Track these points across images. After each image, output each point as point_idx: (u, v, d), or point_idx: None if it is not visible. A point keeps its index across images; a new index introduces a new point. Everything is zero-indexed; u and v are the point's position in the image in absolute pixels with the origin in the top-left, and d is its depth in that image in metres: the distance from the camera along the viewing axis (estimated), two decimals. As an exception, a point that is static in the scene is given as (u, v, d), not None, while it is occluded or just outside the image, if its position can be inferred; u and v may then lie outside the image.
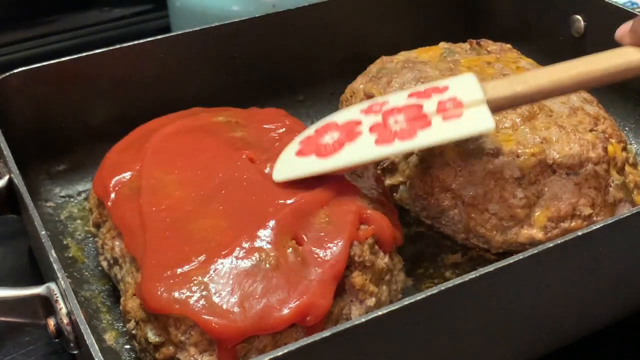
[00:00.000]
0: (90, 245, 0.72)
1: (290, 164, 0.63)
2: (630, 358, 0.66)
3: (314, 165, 0.62)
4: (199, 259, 0.56)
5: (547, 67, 0.63)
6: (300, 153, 0.63)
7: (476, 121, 0.60)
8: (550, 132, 0.69)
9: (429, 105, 0.62)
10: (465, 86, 0.62)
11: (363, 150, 0.61)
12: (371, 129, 0.62)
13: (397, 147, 0.61)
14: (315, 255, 0.57)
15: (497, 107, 0.61)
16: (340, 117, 0.64)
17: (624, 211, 0.67)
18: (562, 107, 0.73)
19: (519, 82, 0.62)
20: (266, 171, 0.63)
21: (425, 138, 0.60)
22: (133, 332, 0.58)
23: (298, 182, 0.62)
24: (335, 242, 0.57)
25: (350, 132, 0.63)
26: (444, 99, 0.61)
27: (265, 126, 0.71)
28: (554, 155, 0.68)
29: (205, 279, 0.54)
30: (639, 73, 0.62)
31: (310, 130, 0.65)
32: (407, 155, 0.71)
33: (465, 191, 0.67)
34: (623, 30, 0.63)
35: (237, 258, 0.55)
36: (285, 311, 0.53)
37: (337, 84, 0.84)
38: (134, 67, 0.78)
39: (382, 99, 0.65)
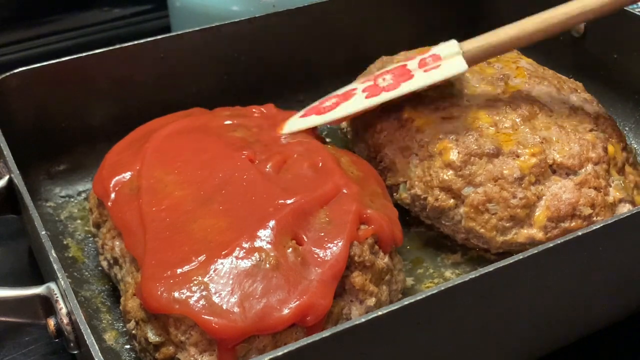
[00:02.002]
0: (90, 245, 0.72)
1: (295, 123, 0.71)
2: (630, 358, 0.66)
3: (314, 120, 0.71)
4: (199, 259, 0.56)
5: (516, 22, 0.70)
6: (303, 115, 0.72)
7: (452, 66, 0.69)
8: (550, 132, 0.69)
9: (413, 63, 0.72)
10: (447, 46, 0.71)
11: (355, 103, 0.71)
12: (364, 90, 0.72)
13: (382, 97, 0.70)
14: (315, 255, 0.57)
15: (473, 58, 0.70)
16: (342, 89, 0.74)
17: (624, 211, 0.67)
18: (562, 107, 0.73)
19: (490, 35, 0.70)
20: (266, 170, 0.63)
21: (407, 86, 0.70)
22: (133, 332, 0.58)
23: (298, 182, 0.62)
24: (335, 242, 0.57)
25: (347, 95, 0.73)
26: (425, 57, 0.71)
27: (265, 125, 0.71)
28: (554, 155, 0.68)
29: (205, 279, 0.54)
30: (597, 15, 0.68)
31: (315, 103, 0.74)
32: (407, 155, 0.71)
33: (465, 191, 0.67)
34: None
35: (237, 258, 0.55)
36: (285, 311, 0.53)
37: (337, 84, 0.84)
38: (134, 67, 0.78)
39: (381, 71, 0.74)
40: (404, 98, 0.71)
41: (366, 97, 0.71)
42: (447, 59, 0.70)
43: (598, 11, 0.68)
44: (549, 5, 0.70)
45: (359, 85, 0.73)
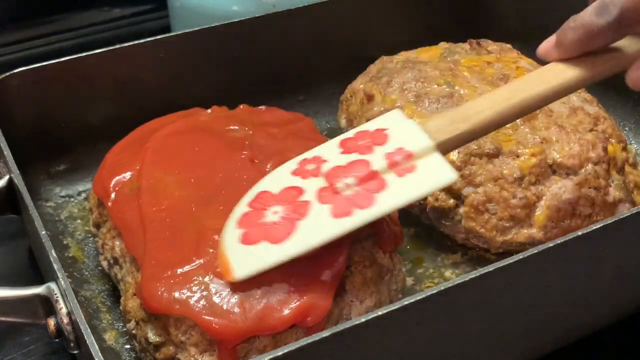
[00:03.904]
0: (90, 245, 0.72)
1: (246, 258, 0.54)
2: (630, 358, 0.66)
3: (272, 255, 0.53)
4: (199, 259, 0.56)
5: (484, 96, 0.60)
6: (246, 240, 0.54)
7: (435, 174, 0.55)
8: (550, 132, 0.69)
9: (377, 161, 0.56)
10: (404, 131, 0.57)
11: (322, 227, 0.54)
12: (320, 198, 0.55)
13: (359, 218, 0.53)
14: (315, 255, 0.56)
15: (445, 149, 0.57)
16: (272, 184, 0.57)
17: (624, 211, 0.67)
18: (562, 107, 0.73)
19: (461, 120, 0.57)
20: (266, 170, 0.63)
21: (387, 202, 0.54)
22: (133, 332, 0.58)
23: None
24: (335, 242, 0.57)
25: (294, 203, 0.55)
26: (391, 151, 0.56)
27: (265, 126, 0.71)
28: (554, 155, 0.68)
29: (206, 279, 0.54)
30: (579, 88, 0.61)
31: (242, 206, 0.57)
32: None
33: (465, 191, 0.67)
34: (546, 47, 0.61)
35: (237, 258, 0.55)
36: (286, 312, 0.53)
37: (337, 84, 0.84)
38: (134, 67, 0.78)
39: (311, 154, 0.59)
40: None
41: (334, 216, 0.54)
42: (420, 159, 0.55)
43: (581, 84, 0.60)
44: (548, 5, 0.70)
45: (298, 181, 0.56)
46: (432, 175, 0.55)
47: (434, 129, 0.57)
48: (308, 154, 0.59)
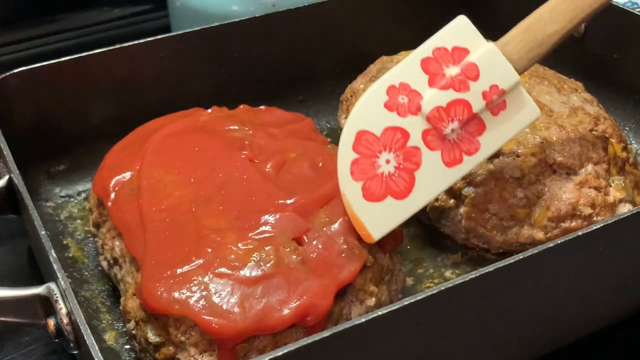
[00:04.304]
0: (90, 245, 0.72)
1: (376, 217, 0.57)
2: (630, 358, 0.66)
3: (401, 212, 0.57)
4: (199, 259, 0.56)
5: (543, 11, 0.60)
6: (370, 196, 0.57)
7: (523, 111, 0.58)
8: (550, 132, 0.69)
9: (476, 102, 0.57)
10: (490, 62, 0.58)
11: (438, 177, 0.57)
12: (428, 143, 0.56)
13: (467, 165, 0.57)
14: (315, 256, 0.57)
15: (521, 71, 0.59)
16: (369, 123, 0.57)
17: (624, 211, 0.67)
18: (562, 107, 0.73)
19: (537, 45, 0.59)
20: (266, 170, 0.63)
21: (490, 145, 0.57)
22: (133, 332, 0.58)
23: (298, 182, 0.62)
24: (335, 242, 0.57)
25: (403, 150, 0.56)
26: (487, 90, 0.57)
27: (265, 126, 0.71)
28: (554, 155, 0.68)
29: (205, 279, 0.54)
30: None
31: (348, 150, 0.57)
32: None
33: (465, 191, 0.67)
34: None
35: (237, 258, 0.55)
36: (286, 311, 0.53)
37: (337, 84, 0.84)
38: (134, 67, 0.78)
39: (395, 79, 0.58)
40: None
41: (446, 165, 0.57)
42: (509, 94, 0.58)
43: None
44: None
45: (400, 120, 0.57)
46: (521, 113, 0.58)
47: (515, 56, 0.58)
48: (393, 79, 0.58)
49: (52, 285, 0.54)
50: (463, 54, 0.58)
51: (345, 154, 0.57)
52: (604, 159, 0.69)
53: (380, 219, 0.57)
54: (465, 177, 0.67)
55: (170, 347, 0.55)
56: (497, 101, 0.57)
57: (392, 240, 0.61)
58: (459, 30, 0.59)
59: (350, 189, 0.57)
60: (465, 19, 0.60)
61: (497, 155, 0.67)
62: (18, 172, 0.63)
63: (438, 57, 0.58)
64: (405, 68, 0.59)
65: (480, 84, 0.57)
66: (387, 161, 0.56)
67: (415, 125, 0.57)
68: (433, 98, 0.57)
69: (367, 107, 0.58)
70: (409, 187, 0.56)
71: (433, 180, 0.57)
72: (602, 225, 0.55)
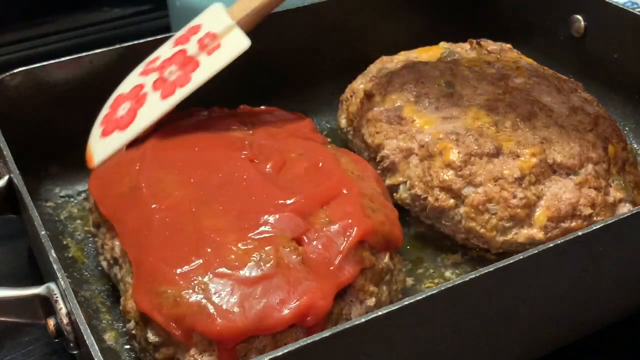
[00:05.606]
0: (90, 245, 0.72)
1: (101, 147, 0.69)
2: (630, 358, 0.66)
3: (119, 139, 0.68)
4: (199, 259, 0.56)
5: None
6: (104, 133, 0.70)
7: (234, 45, 0.69)
8: (550, 132, 0.69)
9: (192, 48, 0.70)
10: (215, 18, 0.71)
11: (153, 108, 0.68)
12: (154, 87, 0.69)
13: (179, 95, 0.68)
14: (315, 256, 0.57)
15: (248, 24, 0.70)
16: (125, 86, 0.72)
17: (624, 211, 0.67)
18: (562, 107, 0.73)
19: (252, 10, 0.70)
20: (266, 170, 0.63)
21: (199, 77, 0.68)
22: (133, 332, 0.58)
23: (298, 182, 0.62)
24: (335, 242, 0.57)
25: (137, 97, 0.70)
26: (202, 37, 0.70)
27: (265, 126, 0.71)
28: (554, 155, 0.68)
29: (205, 279, 0.54)
30: None
31: (105, 109, 0.71)
32: (407, 155, 0.71)
33: (465, 191, 0.67)
34: None
35: (237, 258, 0.55)
36: (286, 311, 0.53)
37: (337, 84, 0.84)
38: (134, 67, 0.78)
39: (153, 56, 0.73)
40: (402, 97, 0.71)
41: (162, 98, 0.69)
42: (224, 36, 0.69)
43: None
44: (548, 5, 0.70)
45: (142, 79, 0.71)
46: (232, 46, 0.69)
47: (236, 10, 0.71)
48: (151, 56, 0.73)
49: (52, 285, 0.54)
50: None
51: (102, 112, 0.72)
52: (604, 159, 0.69)
53: (105, 147, 0.69)
54: (465, 176, 0.67)
55: (170, 347, 0.55)
56: (212, 44, 0.69)
57: (392, 241, 0.61)
58: (212, 11, 0.72)
59: (93, 134, 0.71)
60: (219, 5, 0.72)
61: (497, 155, 0.68)
62: (18, 172, 0.63)
63: (189, 32, 0.72)
64: (163, 45, 0.74)
65: (199, 35, 0.71)
66: (124, 108, 0.70)
67: (151, 79, 0.70)
68: (162, 54, 0.72)
69: (128, 79, 0.73)
70: (130, 120, 0.69)
71: (149, 111, 0.69)
72: (602, 225, 0.55)
